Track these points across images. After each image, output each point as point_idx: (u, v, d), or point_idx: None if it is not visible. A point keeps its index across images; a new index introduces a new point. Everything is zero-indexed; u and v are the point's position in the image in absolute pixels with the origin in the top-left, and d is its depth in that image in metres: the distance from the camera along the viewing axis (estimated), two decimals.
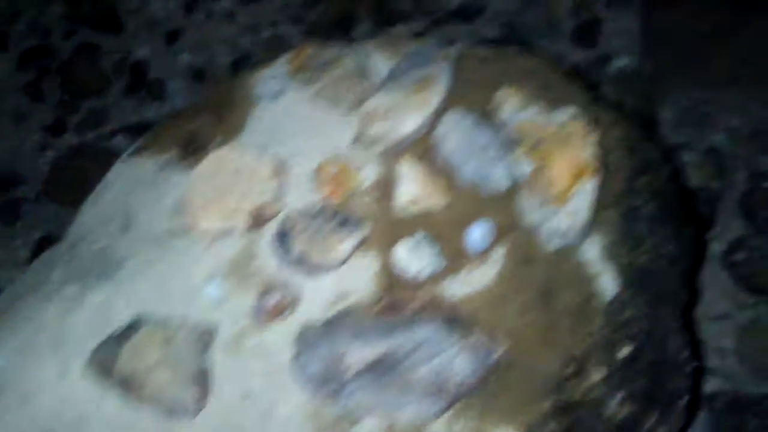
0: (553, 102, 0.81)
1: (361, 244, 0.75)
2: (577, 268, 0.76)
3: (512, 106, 0.80)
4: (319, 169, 0.79)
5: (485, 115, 0.81)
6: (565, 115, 0.78)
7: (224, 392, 0.73)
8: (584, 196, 0.73)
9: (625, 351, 0.74)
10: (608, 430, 0.75)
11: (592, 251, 0.76)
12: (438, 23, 1.49)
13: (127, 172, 0.92)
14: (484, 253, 0.75)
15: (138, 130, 1.51)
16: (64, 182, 1.47)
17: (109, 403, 0.73)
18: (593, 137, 0.76)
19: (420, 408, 0.69)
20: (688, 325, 0.87)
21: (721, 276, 1.22)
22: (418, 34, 1.49)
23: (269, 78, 0.89)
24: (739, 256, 1.22)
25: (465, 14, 1.49)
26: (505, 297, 0.73)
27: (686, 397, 0.78)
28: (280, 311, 0.73)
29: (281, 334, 0.73)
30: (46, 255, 0.95)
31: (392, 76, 0.84)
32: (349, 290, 0.74)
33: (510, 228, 0.76)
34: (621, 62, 1.44)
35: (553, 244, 0.74)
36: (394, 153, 0.79)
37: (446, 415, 0.70)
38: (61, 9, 1.67)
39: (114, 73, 1.59)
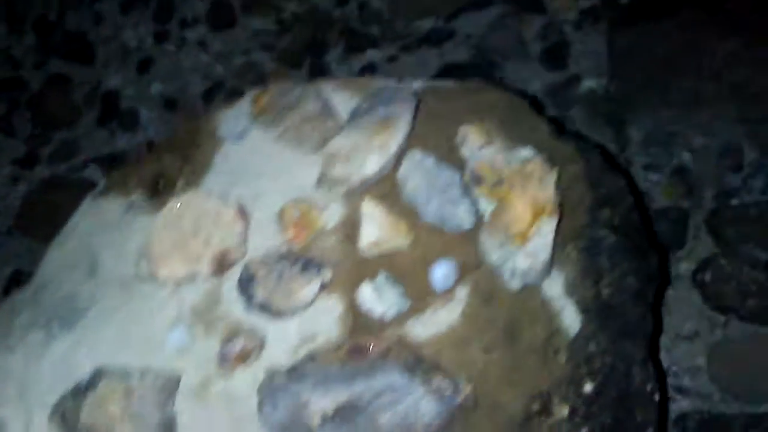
0: (515, 139, 0.82)
1: (325, 287, 0.75)
2: (541, 306, 0.76)
3: (474, 143, 0.81)
4: (282, 212, 0.79)
5: (448, 152, 0.82)
6: (525, 152, 0.79)
7: None
8: (544, 235, 0.74)
9: (588, 387, 0.75)
10: None
11: (555, 288, 0.77)
12: (408, 48, 1.50)
13: (93, 213, 0.91)
14: (448, 292, 0.75)
15: (110, 161, 1.51)
16: (36, 216, 1.46)
17: None
18: (553, 176, 0.76)
19: None
20: (655, 353, 0.87)
21: (691, 295, 1.22)
22: (390, 59, 1.50)
23: (233, 118, 0.89)
24: (708, 275, 1.23)
25: (435, 39, 1.50)
26: (470, 336, 0.74)
27: (652, 429, 0.78)
28: (245, 357, 0.73)
29: (246, 381, 0.73)
30: (12, 299, 0.94)
31: (355, 116, 0.84)
32: (314, 333, 0.74)
33: (473, 266, 0.76)
34: (590, 83, 1.46)
35: (515, 284, 0.74)
36: (357, 194, 0.79)
37: None
38: (31, 40, 1.67)
39: (85, 104, 1.58)
